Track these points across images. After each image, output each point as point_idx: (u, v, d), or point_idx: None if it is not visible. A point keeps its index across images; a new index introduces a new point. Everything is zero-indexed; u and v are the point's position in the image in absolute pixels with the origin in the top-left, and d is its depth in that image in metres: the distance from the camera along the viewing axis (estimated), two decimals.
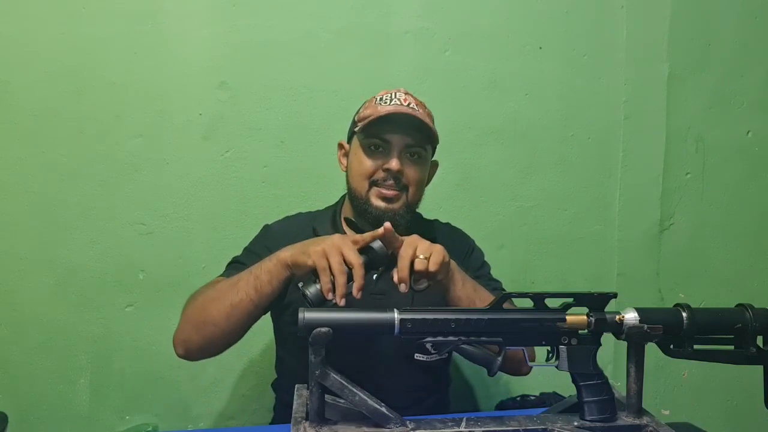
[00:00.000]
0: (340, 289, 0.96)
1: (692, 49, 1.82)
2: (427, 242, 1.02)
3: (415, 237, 1.03)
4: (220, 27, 1.58)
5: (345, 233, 1.25)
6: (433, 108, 1.25)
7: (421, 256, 0.99)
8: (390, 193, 1.17)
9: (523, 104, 1.75)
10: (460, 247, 1.33)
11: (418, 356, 1.23)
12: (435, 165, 1.30)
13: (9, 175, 1.51)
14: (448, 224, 1.40)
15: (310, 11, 1.62)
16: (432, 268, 0.99)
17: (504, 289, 1.32)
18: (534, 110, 1.75)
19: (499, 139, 1.74)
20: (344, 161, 1.28)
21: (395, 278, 1.00)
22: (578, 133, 1.79)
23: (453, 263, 1.10)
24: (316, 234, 1.24)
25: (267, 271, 1.06)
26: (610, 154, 1.81)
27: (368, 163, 1.18)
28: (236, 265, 1.22)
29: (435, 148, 1.27)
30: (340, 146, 1.30)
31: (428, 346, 1.21)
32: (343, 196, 1.31)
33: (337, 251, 0.97)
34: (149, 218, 1.58)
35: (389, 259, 1.02)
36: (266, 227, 1.31)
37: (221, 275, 1.23)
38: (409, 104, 1.19)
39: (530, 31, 1.73)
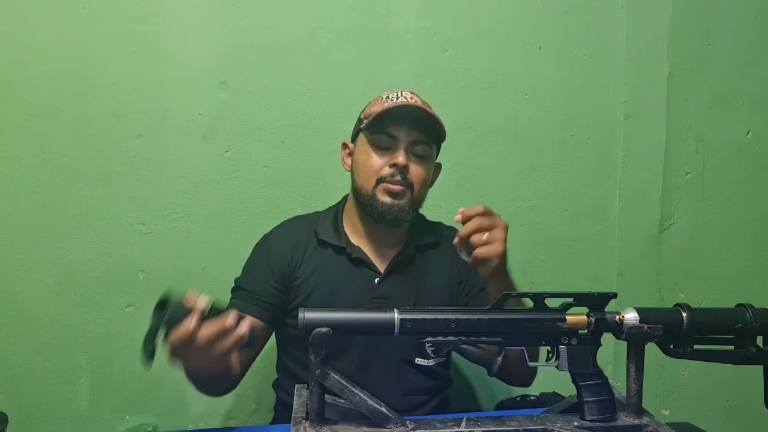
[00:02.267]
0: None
1: (692, 49, 1.82)
2: (503, 233, 1.01)
3: (499, 219, 1.02)
4: (220, 27, 1.58)
5: (347, 235, 1.24)
6: (433, 108, 1.25)
7: (485, 237, 0.99)
8: (397, 188, 1.15)
9: (523, 104, 1.75)
10: None
11: (419, 361, 1.23)
12: (438, 167, 1.29)
13: (9, 175, 1.52)
14: (453, 228, 1.36)
15: (310, 11, 1.62)
16: (478, 252, 0.98)
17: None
18: (534, 110, 1.75)
19: (499, 139, 1.74)
20: (348, 161, 1.26)
21: (458, 238, 1.01)
22: (578, 133, 1.79)
23: (508, 274, 1.07)
24: (317, 237, 1.24)
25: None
26: (610, 154, 1.81)
27: (375, 159, 1.17)
28: (241, 293, 1.21)
29: (440, 147, 1.26)
30: (344, 146, 1.29)
31: (429, 350, 1.22)
32: (346, 197, 1.30)
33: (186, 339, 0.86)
34: (149, 218, 1.58)
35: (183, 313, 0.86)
36: (264, 239, 1.28)
37: (228, 306, 1.21)
38: (415, 102, 1.19)
39: (530, 31, 1.73)
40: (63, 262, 1.55)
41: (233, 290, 1.25)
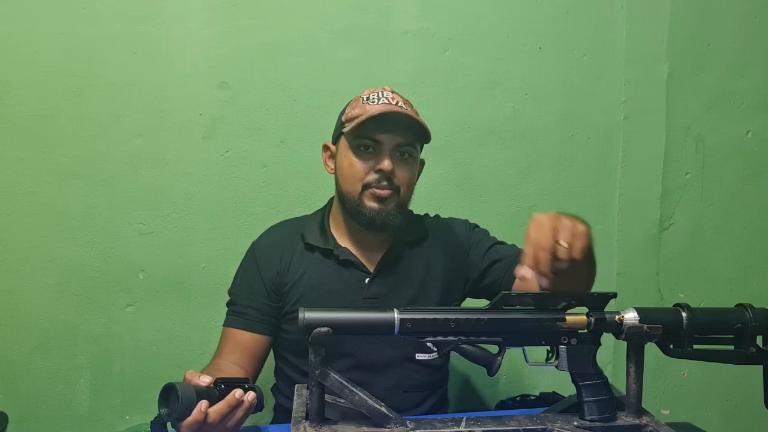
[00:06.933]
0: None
1: (692, 49, 1.82)
2: (569, 222, 0.87)
3: (553, 216, 0.87)
4: (220, 27, 1.58)
5: (334, 238, 1.23)
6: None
7: (564, 244, 0.84)
8: (384, 193, 1.14)
9: (523, 104, 1.75)
10: (464, 232, 1.30)
11: (419, 356, 1.22)
12: (422, 163, 1.26)
13: (9, 175, 1.52)
14: (437, 217, 1.35)
15: (310, 11, 1.62)
16: (576, 255, 0.85)
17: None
18: (534, 110, 1.75)
19: (499, 139, 1.74)
20: (331, 163, 1.24)
21: (522, 270, 0.85)
22: (578, 133, 1.79)
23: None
24: (304, 241, 1.23)
25: None
26: (610, 154, 1.81)
27: (359, 165, 1.15)
28: (237, 308, 1.21)
29: (422, 146, 1.23)
30: (325, 148, 1.26)
31: (430, 344, 1.22)
32: (331, 200, 1.29)
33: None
34: (149, 218, 1.58)
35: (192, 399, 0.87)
36: (253, 245, 1.28)
37: (225, 322, 1.22)
38: (397, 103, 1.16)
39: (530, 31, 1.73)
40: (63, 262, 1.55)
41: (229, 304, 1.24)
